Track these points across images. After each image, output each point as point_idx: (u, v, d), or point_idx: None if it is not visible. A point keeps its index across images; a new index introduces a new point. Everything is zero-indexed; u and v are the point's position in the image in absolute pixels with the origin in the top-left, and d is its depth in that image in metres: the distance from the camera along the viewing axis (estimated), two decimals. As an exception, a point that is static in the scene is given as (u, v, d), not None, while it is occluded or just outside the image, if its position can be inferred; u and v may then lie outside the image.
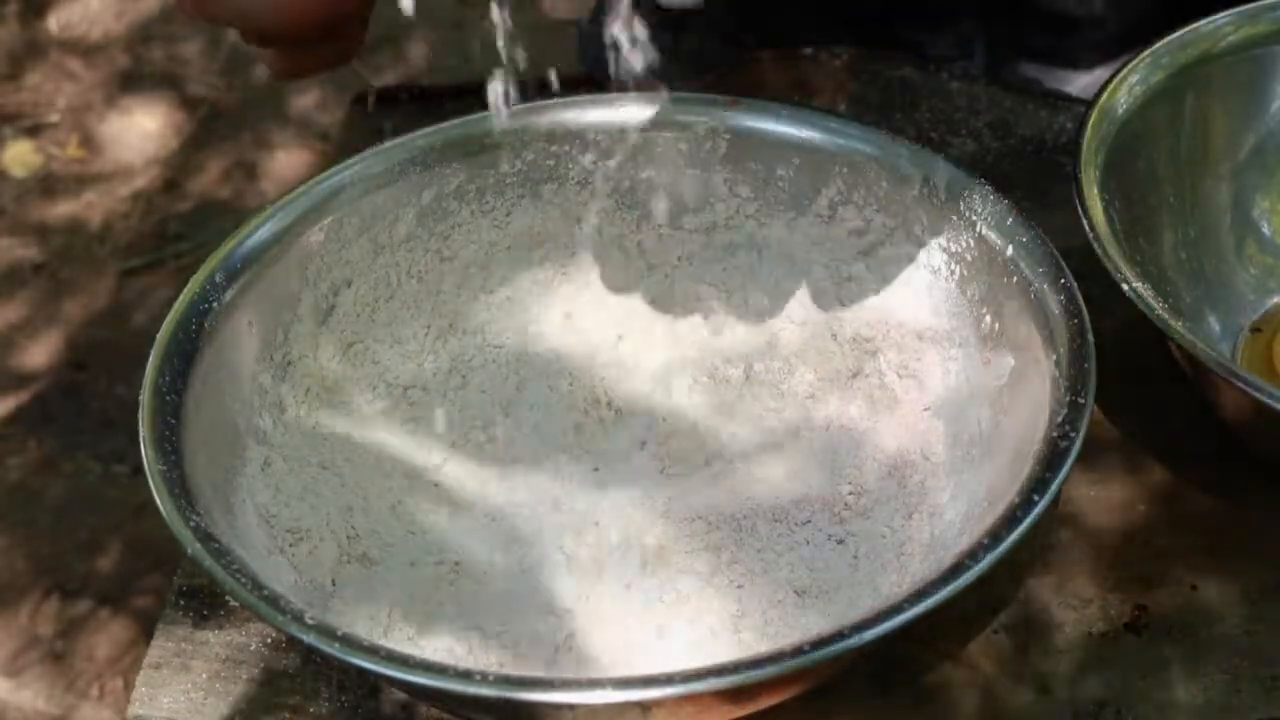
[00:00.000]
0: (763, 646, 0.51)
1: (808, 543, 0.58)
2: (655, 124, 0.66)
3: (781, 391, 0.64)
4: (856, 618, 0.47)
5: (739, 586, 0.57)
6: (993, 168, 0.75)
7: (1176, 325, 0.56)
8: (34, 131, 1.83)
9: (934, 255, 0.62)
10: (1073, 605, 0.59)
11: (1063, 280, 0.57)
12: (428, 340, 0.65)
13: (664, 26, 0.57)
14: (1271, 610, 0.58)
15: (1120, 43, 0.82)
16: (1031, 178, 0.74)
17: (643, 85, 0.61)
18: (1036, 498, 0.50)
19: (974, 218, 0.61)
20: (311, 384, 0.62)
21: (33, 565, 1.41)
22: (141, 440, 0.54)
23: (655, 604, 0.57)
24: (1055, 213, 0.67)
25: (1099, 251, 0.59)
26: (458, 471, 0.61)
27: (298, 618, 0.48)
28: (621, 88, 0.59)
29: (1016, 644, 0.58)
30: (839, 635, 0.47)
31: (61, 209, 1.75)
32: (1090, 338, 0.55)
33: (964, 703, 0.56)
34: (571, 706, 0.47)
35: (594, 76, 0.82)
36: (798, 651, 0.46)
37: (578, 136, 0.66)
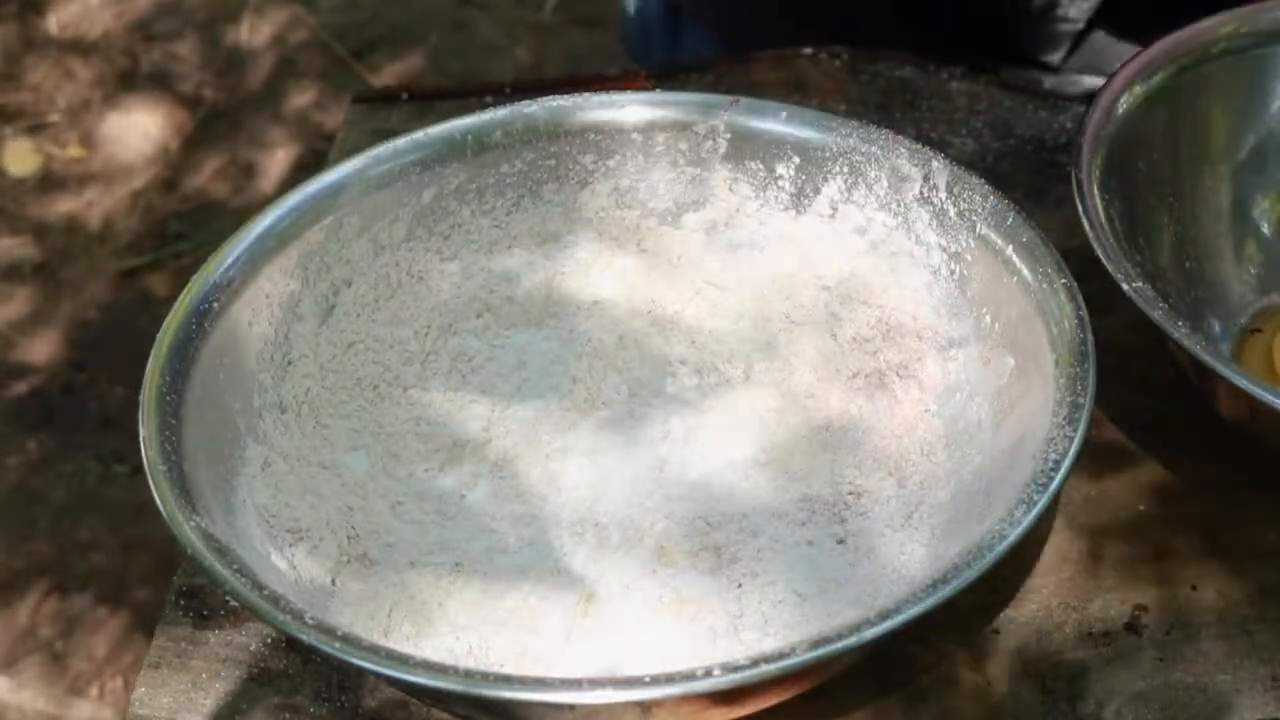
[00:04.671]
0: (763, 646, 0.51)
1: (808, 543, 0.58)
2: (655, 124, 0.66)
3: (781, 391, 0.64)
4: (856, 618, 0.47)
5: (739, 586, 0.57)
6: (993, 168, 0.75)
7: (1176, 325, 0.56)
8: (34, 131, 1.83)
9: (934, 255, 0.62)
10: (1073, 605, 0.59)
11: (1063, 280, 0.57)
12: (428, 340, 0.65)
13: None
14: (1271, 610, 0.58)
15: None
16: (1031, 178, 0.74)
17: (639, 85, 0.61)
18: (1036, 498, 0.50)
19: (974, 217, 0.61)
20: (311, 384, 0.62)
21: (32, 564, 1.41)
22: (141, 440, 0.54)
23: (655, 604, 0.56)
24: (1055, 213, 0.67)
25: (1099, 251, 0.59)
26: (458, 471, 0.61)
27: (298, 618, 0.48)
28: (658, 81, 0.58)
29: (1016, 644, 0.58)
30: (839, 635, 0.47)
31: (61, 209, 1.75)
32: (1090, 338, 0.55)
33: (964, 703, 0.56)
34: (571, 706, 0.47)
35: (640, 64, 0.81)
36: (798, 651, 0.46)
37: (578, 136, 0.66)
